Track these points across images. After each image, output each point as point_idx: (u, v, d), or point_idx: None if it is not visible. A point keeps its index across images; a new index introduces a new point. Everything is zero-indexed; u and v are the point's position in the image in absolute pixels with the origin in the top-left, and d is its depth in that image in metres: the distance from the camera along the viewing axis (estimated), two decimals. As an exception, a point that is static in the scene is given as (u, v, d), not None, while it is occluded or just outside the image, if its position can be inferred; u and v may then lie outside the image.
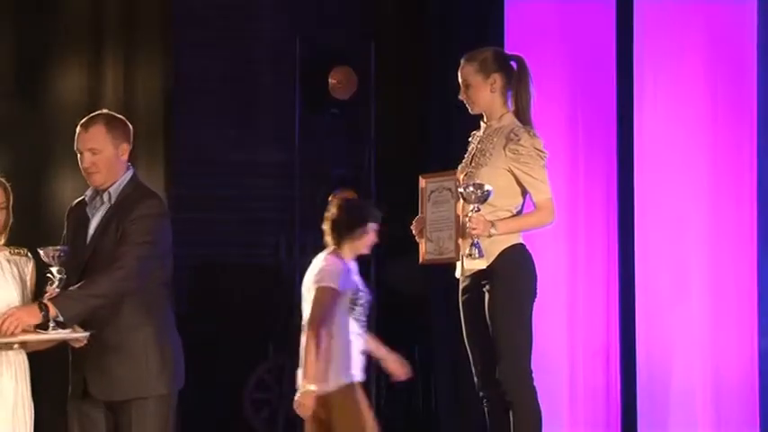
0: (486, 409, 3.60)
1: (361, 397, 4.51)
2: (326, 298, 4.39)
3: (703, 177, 5.74)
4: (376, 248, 5.41)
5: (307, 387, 4.31)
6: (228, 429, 6.28)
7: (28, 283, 3.31)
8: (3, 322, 3.09)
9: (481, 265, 3.53)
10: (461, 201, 3.57)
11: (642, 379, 5.48)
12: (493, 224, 3.51)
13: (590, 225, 5.92)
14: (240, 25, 6.63)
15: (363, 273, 5.55)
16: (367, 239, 4.60)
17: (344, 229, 4.54)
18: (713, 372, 5.49)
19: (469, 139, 3.75)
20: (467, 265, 3.57)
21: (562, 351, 5.86)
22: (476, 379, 3.64)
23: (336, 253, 4.43)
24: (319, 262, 4.52)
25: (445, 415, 6.18)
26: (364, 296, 4.61)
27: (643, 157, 5.77)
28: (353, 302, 4.55)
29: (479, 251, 3.44)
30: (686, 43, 5.93)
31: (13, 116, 5.94)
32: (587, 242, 5.90)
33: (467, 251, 3.51)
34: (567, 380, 5.84)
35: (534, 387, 3.54)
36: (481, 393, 3.62)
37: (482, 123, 3.61)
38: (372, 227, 4.61)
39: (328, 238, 4.43)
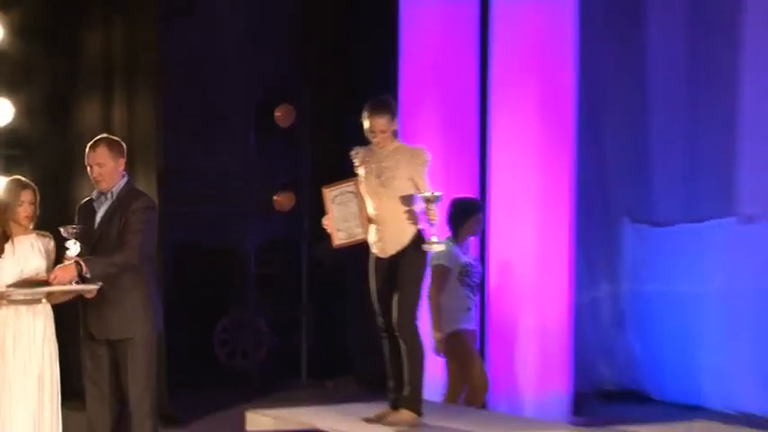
0: (385, 343, 4.41)
1: (465, 340, 5.38)
2: (438, 273, 5.23)
3: (535, 173, 6.32)
4: (307, 232, 6.76)
5: (434, 335, 5.28)
6: (203, 359, 7.21)
7: (51, 256, 3.99)
8: (53, 282, 3.76)
9: (441, 247, 4.37)
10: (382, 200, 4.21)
11: (493, 326, 6.37)
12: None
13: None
14: (213, 73, 7.40)
15: (297, 251, 7.14)
16: (473, 228, 5.46)
17: (454, 223, 5.44)
18: (541, 322, 6.24)
19: (353, 158, 4.42)
20: (426, 248, 4.27)
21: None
22: (380, 324, 4.43)
23: (452, 244, 5.25)
24: None
25: (355, 346, 7.19)
26: (473, 268, 5.42)
27: (497, 156, 6.47)
28: (462, 273, 5.37)
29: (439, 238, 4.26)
30: (522, 69, 6.46)
31: (46, 137, 6.63)
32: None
33: (431, 239, 4.24)
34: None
35: (419, 328, 4.40)
36: (384, 334, 4.41)
37: (373, 147, 4.32)
38: (477, 219, 5.49)
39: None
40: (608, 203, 6.95)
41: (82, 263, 3.73)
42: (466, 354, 5.45)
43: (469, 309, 5.47)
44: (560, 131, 6.31)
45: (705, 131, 6.75)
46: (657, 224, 7.13)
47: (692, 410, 6.23)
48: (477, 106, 6.61)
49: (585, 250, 6.61)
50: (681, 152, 6.94)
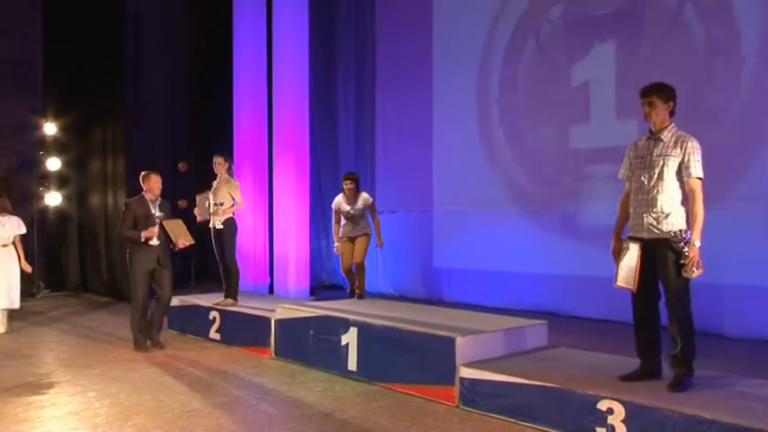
0: (221, 267, 6.62)
1: (346, 243, 7.03)
2: (334, 212, 7.15)
3: (292, 190, 8.78)
4: (193, 217, 8.14)
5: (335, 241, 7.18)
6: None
7: (21, 224, 7.04)
8: (178, 243, 5.94)
9: (220, 225, 6.44)
10: (212, 202, 6.28)
11: (276, 253, 9.16)
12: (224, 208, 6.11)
13: (257, 206, 9.39)
14: (152, 149, 10.16)
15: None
16: (346, 187, 7.10)
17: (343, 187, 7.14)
18: (296, 253, 8.76)
19: (213, 183, 6.46)
20: (214, 224, 6.42)
21: (248, 253, 9.33)
22: (218, 259, 6.55)
23: (340, 195, 7.13)
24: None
25: (212, 269, 8.54)
26: (347, 213, 7.09)
27: (277, 180, 8.98)
28: (343, 213, 7.15)
29: (221, 223, 6.50)
30: (286, 143, 8.90)
31: (74, 175, 10.02)
32: (257, 214, 9.45)
33: (218, 223, 6.40)
34: (252, 261, 9.42)
35: (237, 261, 6.53)
36: (220, 264, 6.57)
37: (214, 183, 6.48)
38: (347, 184, 7.07)
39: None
40: (324, 204, 10.05)
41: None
42: (345, 248, 7.28)
43: (348, 228, 7.15)
44: (301, 169, 9.16)
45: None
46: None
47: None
48: (266, 155, 9.60)
49: (321, 223, 10.43)
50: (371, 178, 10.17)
